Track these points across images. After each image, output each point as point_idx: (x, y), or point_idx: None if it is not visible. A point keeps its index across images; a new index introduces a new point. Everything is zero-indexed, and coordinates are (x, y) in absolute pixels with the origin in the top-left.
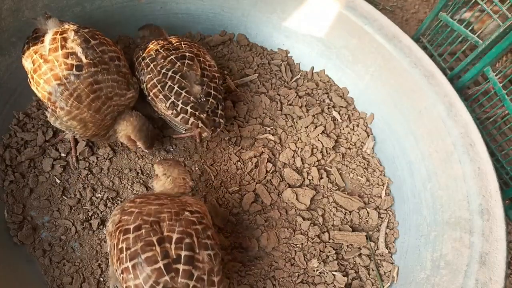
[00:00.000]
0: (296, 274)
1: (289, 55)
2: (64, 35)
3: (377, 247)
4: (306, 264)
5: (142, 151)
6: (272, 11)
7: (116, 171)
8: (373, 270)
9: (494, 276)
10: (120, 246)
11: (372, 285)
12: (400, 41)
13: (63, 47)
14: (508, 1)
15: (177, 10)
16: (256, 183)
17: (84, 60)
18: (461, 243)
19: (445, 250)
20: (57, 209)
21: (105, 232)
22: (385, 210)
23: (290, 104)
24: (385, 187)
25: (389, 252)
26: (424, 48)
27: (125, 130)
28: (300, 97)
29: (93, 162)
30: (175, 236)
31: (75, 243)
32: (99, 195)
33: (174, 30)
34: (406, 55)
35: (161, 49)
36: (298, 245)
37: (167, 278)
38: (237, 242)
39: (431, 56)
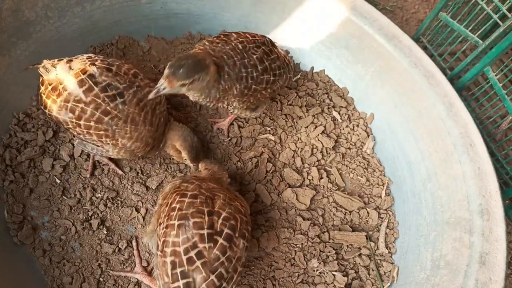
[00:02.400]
0: (296, 274)
1: (289, 55)
2: (88, 73)
3: (377, 247)
4: (306, 264)
5: (187, 165)
6: (272, 11)
7: (116, 171)
8: (373, 270)
9: (494, 276)
10: (173, 205)
11: (372, 285)
12: (400, 41)
13: (96, 84)
14: (508, 1)
15: (177, 10)
16: (256, 183)
17: (121, 86)
18: (461, 243)
19: (445, 250)
20: (57, 209)
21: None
22: (385, 210)
23: (290, 104)
24: (385, 187)
25: (389, 252)
26: (424, 48)
27: (171, 139)
28: (300, 97)
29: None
30: (223, 214)
31: (75, 243)
32: (99, 195)
33: (174, 30)
34: (406, 55)
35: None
36: (298, 245)
37: (206, 245)
38: None
39: (431, 56)
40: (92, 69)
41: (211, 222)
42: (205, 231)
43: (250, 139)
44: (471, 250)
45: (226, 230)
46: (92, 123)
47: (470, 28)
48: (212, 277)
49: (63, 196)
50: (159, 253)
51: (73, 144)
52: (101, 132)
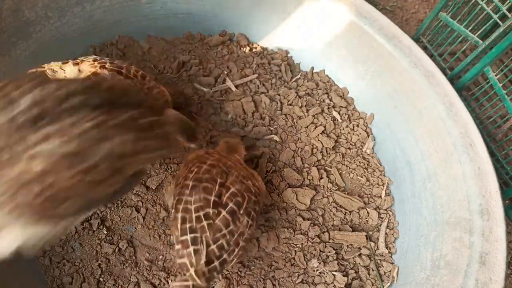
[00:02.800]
0: (296, 274)
1: (289, 55)
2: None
3: (377, 247)
4: (306, 264)
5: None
6: (272, 11)
7: None
8: (373, 270)
9: (494, 276)
10: (192, 169)
11: (372, 285)
12: (400, 41)
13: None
14: (508, 1)
15: (177, 10)
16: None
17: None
18: (461, 243)
19: (445, 250)
20: None
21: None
22: (385, 210)
23: (290, 104)
24: (385, 187)
25: (389, 252)
26: (424, 48)
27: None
28: (300, 97)
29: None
30: (232, 189)
31: (75, 243)
32: None
33: (174, 30)
34: (406, 55)
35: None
36: (298, 245)
37: (210, 210)
38: None
39: (431, 56)
40: (104, 72)
41: (220, 192)
42: (212, 198)
43: (251, 140)
44: (471, 250)
45: (231, 205)
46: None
47: (470, 28)
48: (213, 246)
49: None
50: (172, 210)
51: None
52: None
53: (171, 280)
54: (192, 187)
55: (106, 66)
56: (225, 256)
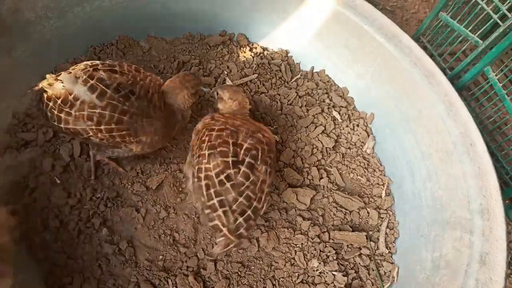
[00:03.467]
0: (296, 274)
1: (289, 55)
2: (96, 77)
3: (377, 247)
4: (306, 264)
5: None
6: (272, 11)
7: (116, 171)
8: (373, 270)
9: (494, 276)
10: (203, 138)
11: (372, 285)
12: (400, 40)
13: (107, 86)
14: (508, 1)
15: (177, 10)
16: None
17: (129, 84)
18: (461, 243)
19: (445, 250)
20: (58, 209)
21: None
22: (385, 210)
23: (290, 104)
24: (385, 187)
25: (389, 252)
26: (424, 48)
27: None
28: (300, 97)
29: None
30: (245, 145)
31: (75, 243)
32: (99, 195)
33: (174, 30)
34: (406, 55)
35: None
36: (298, 245)
37: (231, 171)
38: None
39: (431, 56)
40: (100, 73)
41: (235, 152)
42: (230, 159)
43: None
44: (471, 250)
45: (247, 159)
46: (113, 125)
47: (470, 28)
48: (241, 199)
49: (63, 196)
50: (195, 179)
51: (72, 144)
52: (124, 133)
53: (171, 281)
54: (209, 156)
55: (99, 67)
56: (255, 204)
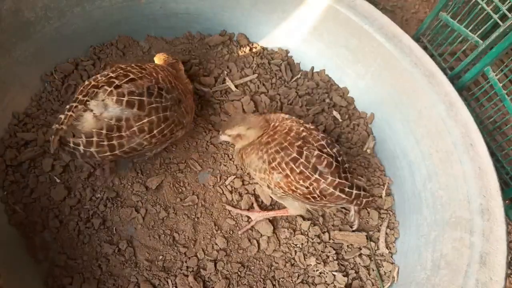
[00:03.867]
0: (296, 274)
1: (289, 54)
2: (126, 91)
3: (378, 247)
4: (306, 264)
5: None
6: (272, 11)
7: (116, 171)
8: (373, 270)
9: (495, 276)
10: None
11: (372, 285)
12: (400, 40)
13: (141, 95)
14: (508, 1)
15: (177, 10)
16: (256, 183)
17: (153, 82)
18: (461, 243)
19: (446, 250)
20: (57, 209)
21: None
22: (386, 210)
23: (290, 104)
24: (385, 187)
25: (389, 252)
26: (425, 48)
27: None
28: (300, 96)
29: (93, 163)
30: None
31: (75, 243)
32: (99, 195)
33: (174, 30)
34: (406, 55)
35: None
36: (298, 245)
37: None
38: (236, 243)
39: (431, 56)
40: (125, 87)
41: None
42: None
43: None
44: (472, 250)
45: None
46: (162, 125)
47: (470, 28)
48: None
49: (63, 196)
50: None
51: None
52: (172, 126)
53: (171, 281)
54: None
55: (117, 83)
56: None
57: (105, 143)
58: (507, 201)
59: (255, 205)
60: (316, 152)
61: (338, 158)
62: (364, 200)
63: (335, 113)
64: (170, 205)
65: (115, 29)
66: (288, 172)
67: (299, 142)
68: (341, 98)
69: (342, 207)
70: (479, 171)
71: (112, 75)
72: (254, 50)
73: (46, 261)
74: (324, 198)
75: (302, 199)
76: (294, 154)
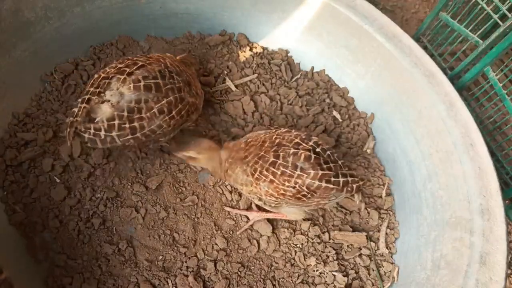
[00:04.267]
0: (296, 274)
1: (289, 54)
2: (141, 77)
3: (378, 247)
4: (306, 264)
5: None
6: (272, 11)
7: (116, 171)
8: (373, 270)
9: (495, 276)
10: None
11: (373, 285)
12: (400, 40)
13: (155, 78)
14: (508, 1)
15: (177, 10)
16: None
17: (162, 66)
18: (461, 243)
19: (446, 250)
20: (57, 209)
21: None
22: (386, 210)
23: (290, 104)
24: (385, 187)
25: (389, 252)
26: (425, 48)
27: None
28: (300, 96)
29: (93, 163)
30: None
31: (75, 243)
32: (99, 195)
33: (174, 29)
34: (407, 55)
35: None
36: (298, 245)
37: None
38: (236, 243)
39: (431, 55)
40: (139, 73)
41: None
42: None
43: None
44: (472, 250)
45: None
46: (180, 106)
47: (470, 28)
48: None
49: (63, 196)
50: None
51: (72, 144)
52: (187, 107)
53: (171, 281)
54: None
55: (128, 70)
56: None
57: (127, 125)
58: (507, 201)
59: (253, 205)
60: (292, 150)
61: (317, 149)
62: (355, 186)
63: (335, 113)
64: (170, 205)
65: (115, 29)
66: (271, 177)
67: (274, 148)
68: (341, 98)
69: (341, 207)
70: (479, 171)
71: (121, 65)
72: (254, 50)
73: (46, 261)
74: (314, 193)
75: (295, 202)
76: (272, 159)
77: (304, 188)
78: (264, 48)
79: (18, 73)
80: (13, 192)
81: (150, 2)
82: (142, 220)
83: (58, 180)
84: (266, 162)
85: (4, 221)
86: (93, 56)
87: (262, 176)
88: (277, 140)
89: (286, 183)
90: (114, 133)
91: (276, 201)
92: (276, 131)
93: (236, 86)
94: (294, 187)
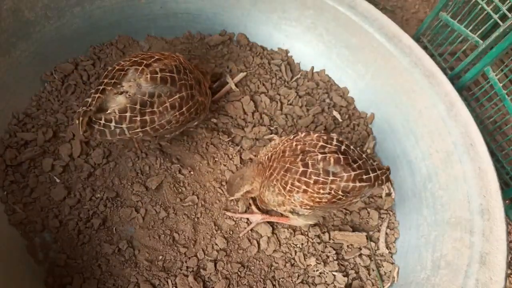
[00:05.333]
0: (296, 274)
1: (289, 54)
2: (156, 68)
3: (378, 247)
4: (306, 264)
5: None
6: (272, 11)
7: (116, 171)
8: (373, 270)
9: (495, 276)
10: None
11: (373, 285)
12: (400, 40)
13: (171, 72)
14: (508, 1)
15: (177, 10)
16: None
17: (177, 62)
18: (461, 243)
19: (446, 250)
20: (57, 209)
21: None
22: (386, 210)
23: (290, 104)
24: (385, 187)
25: (389, 252)
26: (425, 48)
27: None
28: (300, 96)
29: (93, 162)
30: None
31: (75, 243)
32: (98, 195)
33: (174, 29)
34: (407, 55)
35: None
36: (298, 246)
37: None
38: (236, 243)
39: (431, 55)
40: (157, 66)
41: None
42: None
43: (251, 140)
44: (472, 250)
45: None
46: (190, 102)
47: (470, 28)
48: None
49: (63, 196)
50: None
51: (72, 144)
52: (197, 105)
53: (171, 281)
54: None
55: (145, 62)
56: None
57: (138, 118)
58: (507, 201)
59: (253, 207)
60: (320, 156)
61: (342, 148)
62: (384, 177)
63: (335, 113)
64: (170, 205)
65: (115, 29)
66: (305, 187)
67: (300, 156)
68: (341, 98)
69: (341, 208)
70: (479, 171)
71: (136, 58)
72: (254, 50)
73: (46, 261)
74: (348, 194)
75: (330, 205)
76: (301, 168)
77: (340, 192)
78: (264, 48)
79: (18, 73)
80: (13, 192)
81: (150, 2)
82: (142, 220)
83: (58, 180)
84: (296, 173)
85: (4, 221)
86: (93, 56)
87: (294, 188)
88: (299, 147)
89: (321, 191)
90: (124, 125)
91: (311, 209)
92: (294, 137)
93: (235, 85)
94: (329, 193)
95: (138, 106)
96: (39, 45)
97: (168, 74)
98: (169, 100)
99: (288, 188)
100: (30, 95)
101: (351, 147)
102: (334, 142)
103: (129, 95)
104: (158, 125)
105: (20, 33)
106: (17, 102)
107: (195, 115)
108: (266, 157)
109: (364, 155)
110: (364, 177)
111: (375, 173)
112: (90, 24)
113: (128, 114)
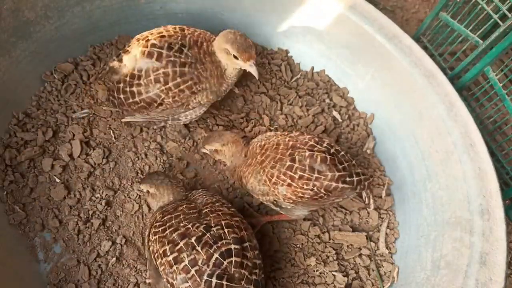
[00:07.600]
0: (296, 274)
1: (289, 54)
2: (149, 43)
3: (377, 247)
4: (306, 264)
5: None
6: (272, 11)
7: (116, 171)
8: (373, 270)
9: (494, 276)
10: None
11: (372, 285)
12: (400, 40)
13: (161, 47)
14: (508, 1)
15: (177, 10)
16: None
17: (179, 39)
18: (461, 243)
19: (445, 250)
20: (57, 209)
21: None
22: (386, 210)
23: (290, 104)
24: (385, 187)
25: (389, 252)
26: (425, 48)
27: (220, 46)
28: (300, 97)
29: (93, 162)
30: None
31: (75, 244)
32: (98, 195)
33: None
34: (407, 55)
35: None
36: (298, 246)
37: None
38: None
39: (431, 56)
40: (151, 41)
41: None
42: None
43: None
44: (472, 250)
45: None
46: (178, 79)
47: (470, 28)
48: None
49: (63, 196)
50: None
51: (71, 144)
52: (190, 83)
53: None
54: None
55: (149, 38)
56: None
57: (128, 89)
58: (507, 201)
59: (252, 210)
60: (308, 153)
61: (331, 151)
62: (367, 183)
63: (335, 113)
64: None
65: (115, 29)
66: (289, 181)
67: (290, 151)
68: (341, 98)
69: (341, 207)
70: (479, 171)
71: (154, 31)
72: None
73: (46, 261)
74: (330, 193)
75: (312, 203)
76: (288, 162)
77: (322, 190)
78: (264, 48)
79: (18, 73)
80: (12, 192)
81: (150, 2)
82: (142, 220)
83: (58, 180)
84: (283, 166)
85: (4, 221)
86: (93, 56)
87: (279, 181)
88: (291, 143)
89: (305, 186)
90: (122, 96)
91: (293, 203)
92: (288, 134)
93: (236, 85)
94: (312, 190)
95: (128, 79)
96: (39, 45)
97: (155, 49)
98: (154, 74)
99: (273, 180)
100: (30, 95)
101: (342, 152)
102: (325, 144)
103: (126, 67)
104: (148, 98)
105: (20, 33)
106: (17, 102)
107: (190, 93)
108: (258, 144)
109: (353, 162)
110: (348, 179)
111: (359, 177)
112: (90, 24)
113: (121, 85)
